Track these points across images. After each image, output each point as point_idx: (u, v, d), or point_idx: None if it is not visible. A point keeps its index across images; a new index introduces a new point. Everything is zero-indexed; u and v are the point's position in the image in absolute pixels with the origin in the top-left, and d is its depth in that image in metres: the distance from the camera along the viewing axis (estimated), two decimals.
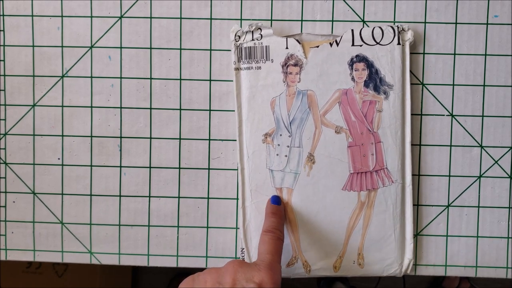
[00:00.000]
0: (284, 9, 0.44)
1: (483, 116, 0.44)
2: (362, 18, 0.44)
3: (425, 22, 0.44)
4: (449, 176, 0.44)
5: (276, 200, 0.42)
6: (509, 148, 0.44)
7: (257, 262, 0.36)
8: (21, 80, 0.45)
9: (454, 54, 0.44)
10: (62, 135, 0.46)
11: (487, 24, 0.44)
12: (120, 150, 0.45)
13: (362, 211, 0.43)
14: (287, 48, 0.43)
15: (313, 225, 0.43)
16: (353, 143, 0.43)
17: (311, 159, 0.43)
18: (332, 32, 0.44)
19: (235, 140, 0.44)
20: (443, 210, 0.45)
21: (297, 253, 0.44)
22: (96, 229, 0.46)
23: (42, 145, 0.46)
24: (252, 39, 0.43)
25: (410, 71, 0.43)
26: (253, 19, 0.44)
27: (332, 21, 0.44)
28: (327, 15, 0.44)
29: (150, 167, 0.45)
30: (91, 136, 0.45)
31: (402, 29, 0.43)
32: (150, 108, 0.45)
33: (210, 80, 0.45)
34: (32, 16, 0.45)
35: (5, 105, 0.46)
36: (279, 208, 0.42)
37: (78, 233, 0.46)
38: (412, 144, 0.44)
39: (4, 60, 0.45)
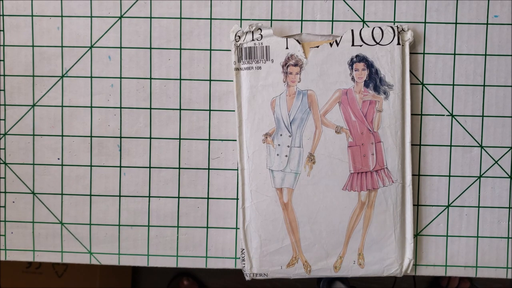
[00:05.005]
0: (284, 9, 0.44)
1: (483, 116, 0.44)
2: (362, 18, 0.44)
3: (425, 22, 0.44)
4: (449, 176, 0.44)
5: None
6: (509, 148, 0.44)
7: None
8: (21, 80, 0.45)
9: (454, 54, 0.44)
10: (62, 135, 0.46)
11: (487, 24, 0.44)
12: (120, 150, 0.45)
13: (362, 211, 0.43)
14: (287, 48, 0.43)
15: (313, 225, 0.43)
16: (353, 143, 0.43)
17: (312, 159, 0.43)
18: (332, 32, 0.44)
19: (235, 140, 0.44)
20: (443, 210, 0.45)
21: (297, 253, 0.44)
22: (95, 229, 0.46)
23: (42, 145, 0.46)
24: (252, 39, 0.43)
25: (410, 71, 0.43)
26: (253, 19, 0.44)
27: (332, 21, 0.44)
28: (327, 15, 0.44)
29: (150, 167, 0.45)
30: (91, 136, 0.45)
31: (402, 29, 0.43)
32: (150, 108, 0.45)
33: (210, 80, 0.45)
34: (32, 16, 0.45)
35: (4, 105, 0.46)
36: None
37: (77, 233, 0.46)
38: (412, 144, 0.44)
39: (4, 60, 0.45)
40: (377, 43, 0.43)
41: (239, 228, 0.45)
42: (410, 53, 0.43)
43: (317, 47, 0.43)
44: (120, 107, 0.45)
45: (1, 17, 0.45)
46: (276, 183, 0.43)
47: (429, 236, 0.45)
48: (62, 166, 0.46)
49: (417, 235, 0.45)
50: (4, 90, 0.46)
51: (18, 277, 0.89)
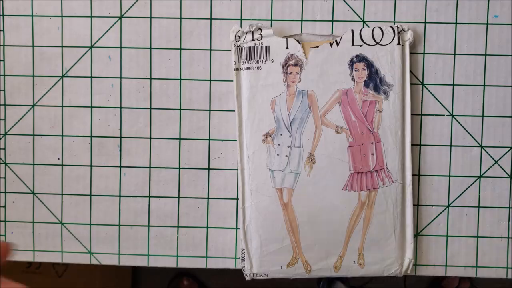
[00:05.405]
0: (284, 9, 0.44)
1: (483, 116, 0.44)
2: (362, 18, 0.44)
3: (425, 22, 0.44)
4: (449, 176, 0.44)
5: None
6: (509, 148, 0.44)
7: None
8: (21, 80, 0.45)
9: (454, 54, 0.44)
10: (62, 135, 0.46)
11: (487, 24, 0.44)
12: (120, 150, 0.45)
13: (362, 211, 0.43)
14: (287, 48, 0.43)
15: (313, 225, 0.43)
16: (353, 143, 0.43)
17: (312, 159, 0.43)
18: (332, 32, 0.44)
19: (235, 140, 0.44)
20: (443, 210, 0.45)
21: (297, 253, 0.44)
22: (95, 229, 0.46)
23: (42, 145, 0.46)
24: (252, 39, 0.43)
25: (410, 71, 0.43)
26: (253, 19, 0.44)
27: (332, 21, 0.44)
28: (327, 15, 0.44)
29: (150, 167, 0.45)
30: (91, 136, 0.45)
31: (402, 29, 0.43)
32: (150, 108, 0.45)
33: (210, 80, 0.45)
34: (32, 16, 0.45)
35: (5, 105, 0.46)
36: None
37: (77, 233, 0.46)
38: (412, 144, 0.44)
39: (4, 60, 0.45)
40: (377, 43, 0.43)
41: (239, 228, 0.45)
42: (410, 53, 0.43)
43: (317, 47, 0.43)
44: (120, 107, 0.45)
45: (1, 17, 0.45)
46: (276, 183, 0.43)
47: (429, 236, 0.45)
48: (62, 166, 0.46)
49: (417, 235, 0.45)
50: (4, 90, 0.46)
51: (18, 277, 0.88)
